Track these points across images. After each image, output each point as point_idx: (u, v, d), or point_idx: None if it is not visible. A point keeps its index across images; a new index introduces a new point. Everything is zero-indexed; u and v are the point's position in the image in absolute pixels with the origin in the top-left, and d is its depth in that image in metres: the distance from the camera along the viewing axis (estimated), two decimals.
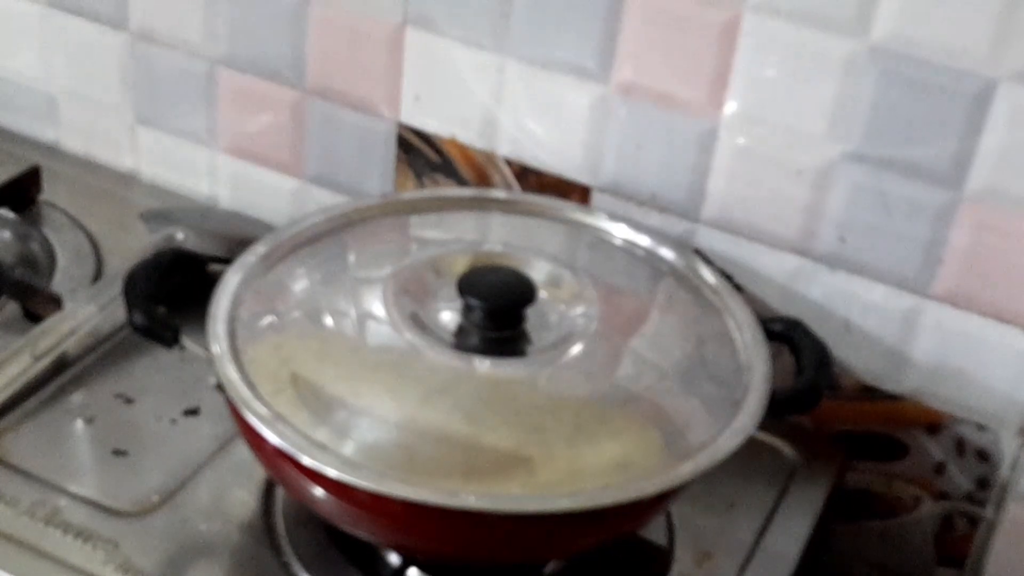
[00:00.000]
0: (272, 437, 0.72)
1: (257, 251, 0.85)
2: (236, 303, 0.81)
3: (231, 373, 0.75)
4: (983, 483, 0.94)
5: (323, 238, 0.89)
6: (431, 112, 1.02)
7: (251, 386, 0.75)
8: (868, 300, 0.92)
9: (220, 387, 0.77)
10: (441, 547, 0.74)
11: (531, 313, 0.80)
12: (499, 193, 0.97)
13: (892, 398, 0.95)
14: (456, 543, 0.73)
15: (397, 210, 0.95)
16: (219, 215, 1.15)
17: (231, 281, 0.82)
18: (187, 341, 0.79)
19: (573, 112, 0.96)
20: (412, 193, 1.06)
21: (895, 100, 0.85)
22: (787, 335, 0.86)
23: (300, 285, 0.86)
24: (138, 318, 0.80)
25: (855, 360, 0.94)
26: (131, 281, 0.82)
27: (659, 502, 0.75)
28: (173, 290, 0.83)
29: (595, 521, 0.72)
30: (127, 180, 1.18)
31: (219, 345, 0.77)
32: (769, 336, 0.86)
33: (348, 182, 1.08)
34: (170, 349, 0.79)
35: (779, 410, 0.80)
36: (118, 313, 0.97)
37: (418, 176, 1.05)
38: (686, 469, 0.73)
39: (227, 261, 0.85)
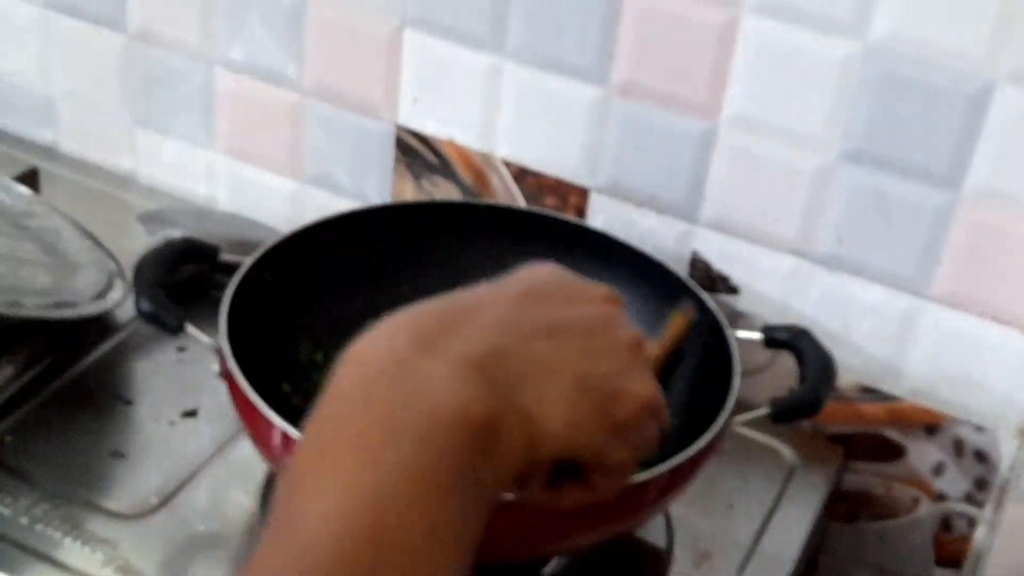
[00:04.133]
0: (274, 417, 0.73)
1: (274, 244, 0.87)
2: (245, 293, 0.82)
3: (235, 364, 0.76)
4: (981, 484, 0.94)
5: None
6: (429, 114, 1.02)
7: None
8: (866, 301, 0.92)
9: (223, 375, 0.77)
10: None
11: None
12: None
13: (890, 399, 0.95)
14: None
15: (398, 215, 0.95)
16: (217, 217, 1.15)
17: (243, 271, 0.83)
18: (192, 329, 0.79)
19: (571, 113, 0.96)
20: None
21: (893, 101, 0.85)
22: (793, 343, 0.86)
23: None
24: (145, 304, 0.81)
25: (853, 361, 0.94)
26: (140, 268, 0.83)
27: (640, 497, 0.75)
28: (184, 280, 0.84)
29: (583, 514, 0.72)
30: (125, 182, 1.18)
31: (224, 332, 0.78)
32: (775, 344, 0.87)
33: (346, 184, 1.08)
34: (175, 336, 0.80)
35: (780, 417, 0.81)
36: (117, 315, 0.97)
37: (416, 178, 1.05)
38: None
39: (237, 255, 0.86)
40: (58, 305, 0.90)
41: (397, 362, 0.49)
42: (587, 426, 0.54)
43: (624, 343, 0.57)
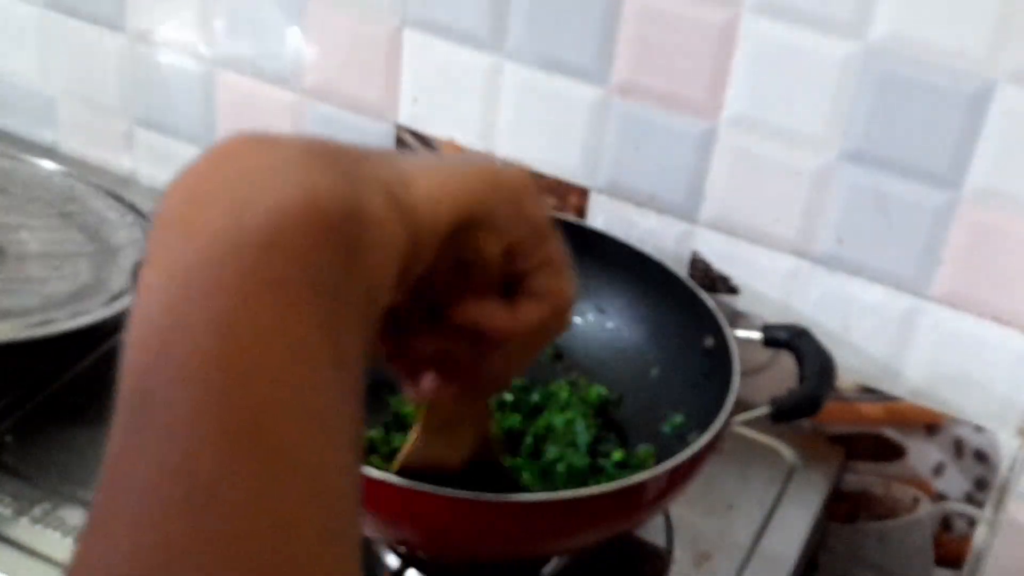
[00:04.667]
0: None
1: None
2: None
3: None
4: (981, 484, 0.94)
5: None
6: (429, 114, 1.02)
7: None
8: (866, 301, 0.92)
9: None
10: (442, 539, 0.74)
11: None
12: None
13: (890, 399, 0.95)
14: (455, 534, 0.73)
15: None
16: None
17: None
18: None
19: (571, 113, 0.96)
20: None
21: (893, 101, 0.85)
22: (792, 343, 0.86)
23: None
24: None
25: (854, 361, 0.94)
26: (139, 268, 0.83)
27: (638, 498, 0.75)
28: None
29: (580, 514, 0.72)
30: (125, 182, 1.18)
31: None
32: (775, 344, 0.87)
33: None
34: None
35: (780, 417, 0.81)
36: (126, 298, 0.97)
37: None
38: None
39: None
40: (86, 312, 0.93)
41: (224, 162, 0.41)
42: (470, 185, 0.46)
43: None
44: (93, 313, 0.92)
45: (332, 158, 0.42)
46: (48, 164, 1.12)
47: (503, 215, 0.48)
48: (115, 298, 0.95)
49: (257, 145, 0.42)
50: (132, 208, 1.07)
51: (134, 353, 0.37)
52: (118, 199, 1.08)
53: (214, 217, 0.39)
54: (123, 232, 1.04)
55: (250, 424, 0.35)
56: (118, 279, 0.97)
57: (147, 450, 0.35)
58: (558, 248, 0.51)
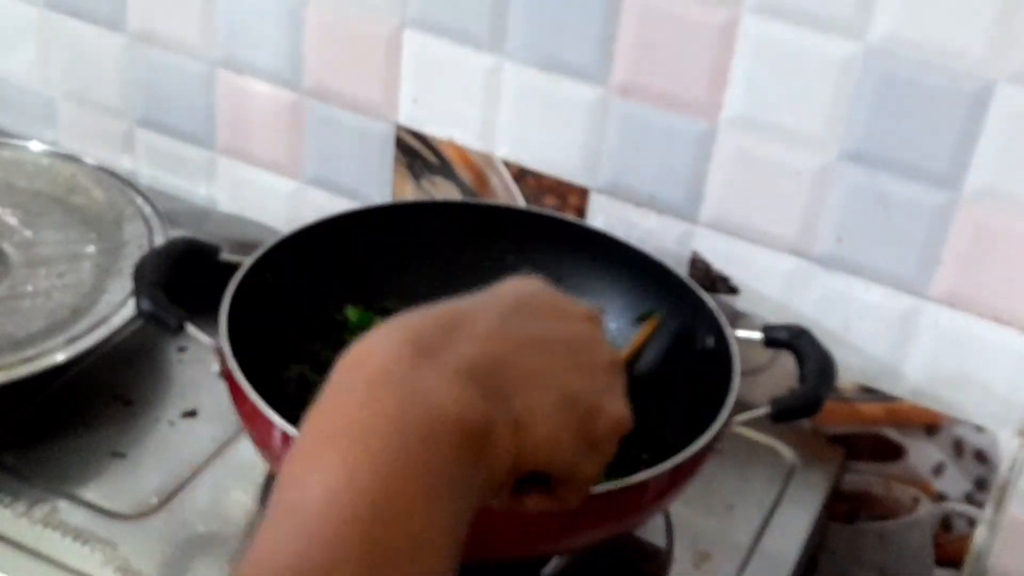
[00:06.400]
0: (275, 417, 0.73)
1: (274, 244, 0.87)
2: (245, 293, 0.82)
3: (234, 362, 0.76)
4: (981, 484, 0.94)
5: None
6: (429, 114, 1.02)
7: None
8: (866, 301, 0.92)
9: (223, 374, 0.77)
10: None
11: None
12: None
13: (890, 399, 0.95)
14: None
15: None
16: (217, 217, 1.15)
17: (243, 271, 0.84)
18: (192, 329, 0.79)
19: (571, 113, 0.96)
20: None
21: (893, 101, 0.85)
22: (793, 343, 0.86)
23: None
24: (145, 304, 0.81)
25: (853, 361, 0.94)
26: (140, 268, 0.83)
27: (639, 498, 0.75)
28: (184, 280, 0.84)
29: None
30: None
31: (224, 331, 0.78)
32: (775, 344, 0.87)
33: (346, 184, 1.08)
34: (175, 336, 0.80)
35: (780, 417, 0.81)
36: (117, 315, 0.97)
37: (416, 178, 1.05)
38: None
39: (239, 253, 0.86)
40: (82, 335, 0.92)
41: (397, 366, 0.51)
42: (566, 440, 0.56)
43: (605, 362, 0.60)
44: (90, 335, 0.91)
45: (485, 382, 0.53)
46: (50, 151, 1.12)
47: (581, 462, 0.58)
48: (115, 309, 0.94)
49: (434, 354, 0.52)
50: (138, 191, 1.08)
51: (295, 474, 0.49)
52: (125, 184, 1.09)
53: (389, 402, 0.50)
54: (128, 222, 1.04)
55: (384, 562, 0.46)
56: (120, 286, 0.96)
57: (286, 538, 0.47)
58: (601, 470, 0.60)
